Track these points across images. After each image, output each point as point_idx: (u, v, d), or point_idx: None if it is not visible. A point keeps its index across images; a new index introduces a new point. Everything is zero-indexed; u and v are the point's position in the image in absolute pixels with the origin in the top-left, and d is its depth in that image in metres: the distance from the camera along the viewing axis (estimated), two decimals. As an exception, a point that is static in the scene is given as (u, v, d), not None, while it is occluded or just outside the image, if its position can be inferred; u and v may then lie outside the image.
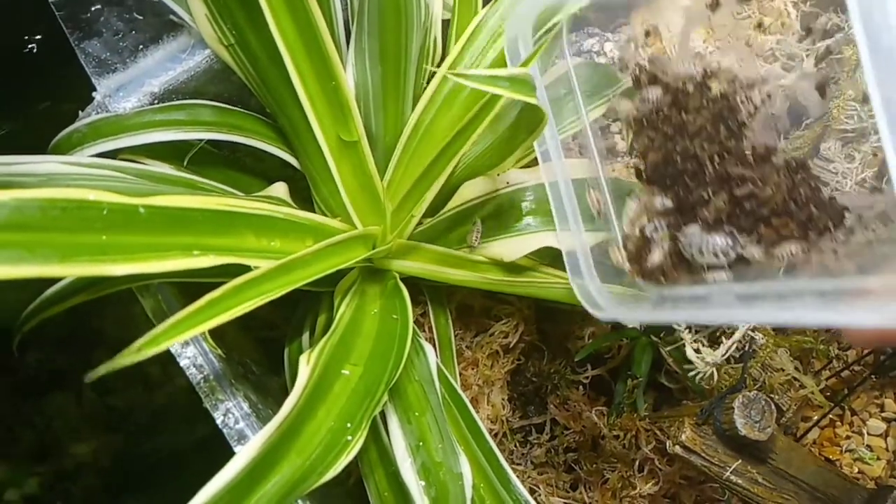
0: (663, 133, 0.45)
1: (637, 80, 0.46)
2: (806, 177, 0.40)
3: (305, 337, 0.53)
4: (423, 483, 0.37)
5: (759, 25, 0.51)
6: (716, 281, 0.42)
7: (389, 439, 0.40)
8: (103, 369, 0.31)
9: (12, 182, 0.35)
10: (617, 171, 0.50)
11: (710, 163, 0.42)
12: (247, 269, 0.35)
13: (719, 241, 0.41)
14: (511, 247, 0.47)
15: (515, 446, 0.60)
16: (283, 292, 0.36)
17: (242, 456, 0.31)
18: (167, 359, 0.79)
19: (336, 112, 0.41)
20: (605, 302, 0.44)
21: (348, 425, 0.34)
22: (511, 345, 0.59)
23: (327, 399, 0.35)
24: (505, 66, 0.47)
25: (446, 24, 0.54)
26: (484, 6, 0.51)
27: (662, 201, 0.45)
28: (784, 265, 0.39)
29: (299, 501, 0.37)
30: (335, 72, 0.39)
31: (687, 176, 0.43)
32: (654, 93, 0.46)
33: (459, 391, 0.45)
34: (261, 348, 0.61)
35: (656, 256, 0.44)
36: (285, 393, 0.49)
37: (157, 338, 0.32)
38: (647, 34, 0.49)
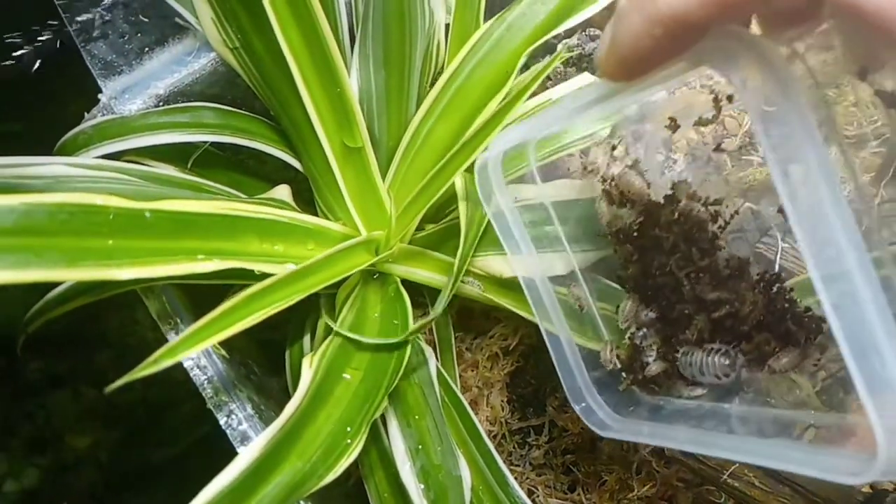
0: (640, 246, 0.46)
1: (609, 196, 0.47)
2: (781, 288, 0.41)
3: (306, 340, 0.53)
4: (422, 486, 0.37)
5: (718, 147, 0.53)
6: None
7: (389, 442, 0.41)
8: (122, 381, 0.31)
9: (20, 184, 0.35)
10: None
11: (686, 281, 0.43)
12: (250, 272, 0.36)
13: (718, 361, 0.41)
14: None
15: (514, 448, 0.60)
16: (297, 300, 0.37)
17: (245, 457, 0.31)
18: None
19: (340, 118, 0.41)
20: (609, 418, 0.45)
21: (348, 429, 0.35)
22: (511, 347, 0.59)
23: (328, 403, 0.36)
24: (506, 78, 0.48)
25: (448, 28, 0.55)
26: (486, 17, 0.52)
27: (647, 313, 0.46)
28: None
29: (300, 503, 0.37)
30: (340, 78, 0.39)
31: (667, 291, 0.44)
32: (625, 209, 0.47)
33: (459, 394, 0.46)
34: (262, 350, 0.61)
35: (653, 368, 0.45)
36: (286, 395, 0.50)
37: (174, 348, 0.33)
38: (614, 148, 0.48)
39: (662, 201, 0.45)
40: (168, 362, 0.32)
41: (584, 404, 0.45)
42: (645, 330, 0.46)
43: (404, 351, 0.40)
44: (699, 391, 0.44)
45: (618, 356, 0.46)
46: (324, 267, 0.40)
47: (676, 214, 0.44)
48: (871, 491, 0.57)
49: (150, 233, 0.32)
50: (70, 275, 0.29)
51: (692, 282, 0.42)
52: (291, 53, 0.38)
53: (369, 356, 0.40)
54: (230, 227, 0.37)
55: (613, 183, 0.46)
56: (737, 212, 0.44)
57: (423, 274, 0.47)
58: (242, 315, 0.36)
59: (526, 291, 0.44)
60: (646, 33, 0.22)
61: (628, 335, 0.46)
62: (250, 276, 0.40)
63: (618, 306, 0.47)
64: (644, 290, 0.46)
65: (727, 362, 0.41)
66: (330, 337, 0.40)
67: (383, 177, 0.48)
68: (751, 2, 0.20)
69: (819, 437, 0.35)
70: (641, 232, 0.45)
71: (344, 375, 0.37)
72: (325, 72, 0.39)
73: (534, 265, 0.44)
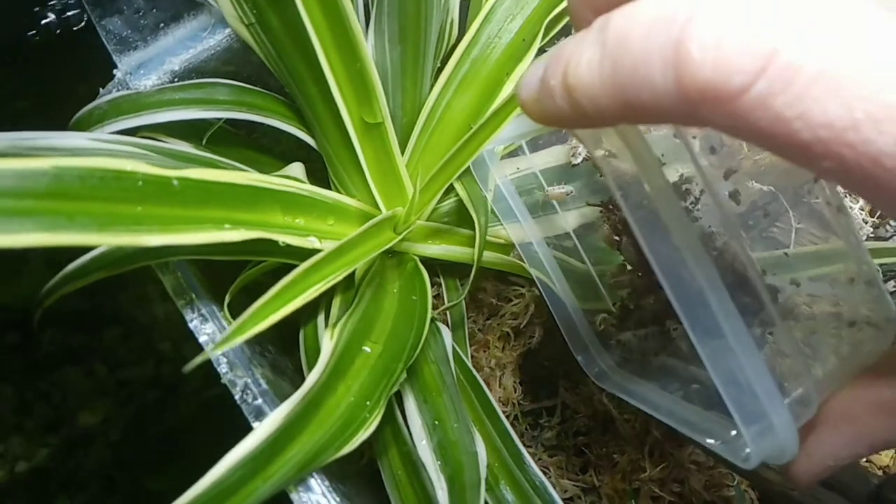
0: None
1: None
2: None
3: (321, 319, 0.53)
4: (439, 462, 0.37)
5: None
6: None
7: (405, 419, 0.41)
8: (199, 359, 0.31)
9: (40, 156, 0.35)
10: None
11: None
12: (273, 244, 0.36)
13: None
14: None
15: (526, 429, 0.60)
16: (342, 276, 0.38)
17: (266, 426, 0.31)
18: (179, 335, 0.81)
19: (360, 93, 0.41)
20: (610, 370, 0.48)
21: (367, 403, 0.35)
22: (521, 326, 0.59)
23: (348, 375, 0.36)
24: (521, 49, 0.47)
25: (463, 2, 0.54)
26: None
27: (636, 276, 0.49)
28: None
29: (315, 475, 0.37)
30: (361, 53, 0.39)
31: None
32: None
33: (474, 372, 0.46)
34: (274, 327, 0.62)
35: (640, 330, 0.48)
36: (300, 373, 0.50)
37: (243, 325, 0.33)
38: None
39: None
40: (239, 339, 0.33)
41: (587, 354, 0.49)
42: (635, 291, 0.48)
43: (423, 326, 0.40)
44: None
45: (613, 314, 0.49)
46: (360, 243, 0.40)
47: None
48: (883, 475, 0.57)
49: (178, 200, 0.32)
50: (101, 239, 0.29)
51: None
52: (314, 28, 0.38)
53: (389, 329, 0.40)
54: (255, 198, 0.37)
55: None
56: (702, 191, 0.44)
57: (441, 249, 0.47)
58: (301, 290, 0.36)
59: (522, 254, 0.48)
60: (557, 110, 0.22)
61: (623, 294, 0.49)
62: (272, 250, 0.40)
63: (614, 268, 0.50)
64: (634, 260, 0.48)
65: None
66: (350, 309, 0.40)
67: (401, 153, 0.48)
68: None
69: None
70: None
71: (363, 348, 0.37)
72: (346, 47, 0.39)
73: (531, 230, 0.48)
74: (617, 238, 0.50)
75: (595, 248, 0.52)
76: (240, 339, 0.32)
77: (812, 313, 0.37)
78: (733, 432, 0.30)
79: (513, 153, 0.53)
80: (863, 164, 0.15)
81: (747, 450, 0.26)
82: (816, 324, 0.36)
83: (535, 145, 0.54)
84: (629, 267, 0.50)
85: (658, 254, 0.26)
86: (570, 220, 0.53)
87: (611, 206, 0.50)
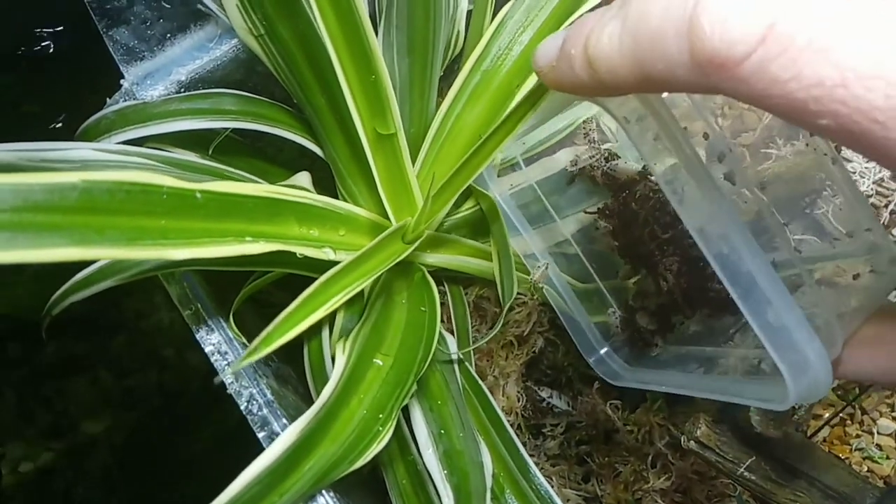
0: (622, 220, 0.52)
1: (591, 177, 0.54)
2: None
3: (325, 334, 0.53)
4: (445, 471, 0.37)
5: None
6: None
7: (411, 428, 0.41)
8: (235, 367, 0.32)
9: (52, 168, 0.35)
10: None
11: (658, 252, 0.49)
12: (288, 255, 0.36)
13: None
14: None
15: (528, 438, 0.60)
16: (360, 287, 0.39)
17: (282, 440, 0.32)
18: (182, 343, 0.81)
19: (374, 105, 0.41)
20: (620, 368, 0.51)
21: (380, 416, 0.35)
22: (524, 334, 0.59)
23: (360, 388, 0.36)
24: (531, 60, 0.48)
25: (469, 14, 0.55)
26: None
27: (639, 277, 0.53)
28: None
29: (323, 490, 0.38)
30: (376, 65, 0.39)
31: (650, 259, 0.50)
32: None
33: (478, 381, 0.46)
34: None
35: (647, 324, 0.52)
36: (303, 382, 0.50)
37: (269, 336, 0.35)
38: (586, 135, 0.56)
39: (637, 178, 0.51)
40: (268, 350, 0.34)
41: (596, 356, 0.51)
42: (640, 292, 0.52)
43: (433, 337, 0.40)
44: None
45: (620, 314, 0.53)
46: (375, 253, 0.41)
47: (645, 191, 0.51)
48: (885, 486, 0.57)
49: (200, 214, 0.32)
50: (130, 254, 0.29)
51: (662, 253, 0.49)
52: (330, 39, 0.38)
53: (399, 341, 0.40)
54: (273, 209, 0.37)
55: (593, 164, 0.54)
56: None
57: (448, 259, 0.47)
58: (321, 301, 0.37)
59: (527, 265, 0.52)
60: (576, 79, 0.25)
61: (630, 297, 0.52)
62: (286, 261, 0.41)
63: (617, 271, 0.54)
64: (632, 257, 0.52)
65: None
66: (361, 321, 0.40)
67: (412, 164, 0.48)
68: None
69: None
70: (622, 207, 0.52)
71: (375, 360, 0.38)
72: (362, 58, 0.39)
73: (533, 241, 0.52)
74: (616, 242, 0.53)
75: (596, 252, 0.55)
76: (266, 351, 0.33)
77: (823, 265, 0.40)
78: (766, 387, 0.33)
79: (511, 167, 0.56)
80: (856, 119, 0.17)
81: (787, 389, 0.29)
82: (824, 273, 0.39)
83: (531, 159, 0.57)
84: (630, 268, 0.53)
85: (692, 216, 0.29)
86: (569, 226, 0.55)
87: (607, 212, 0.54)
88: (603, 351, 0.51)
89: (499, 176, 0.55)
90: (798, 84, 0.18)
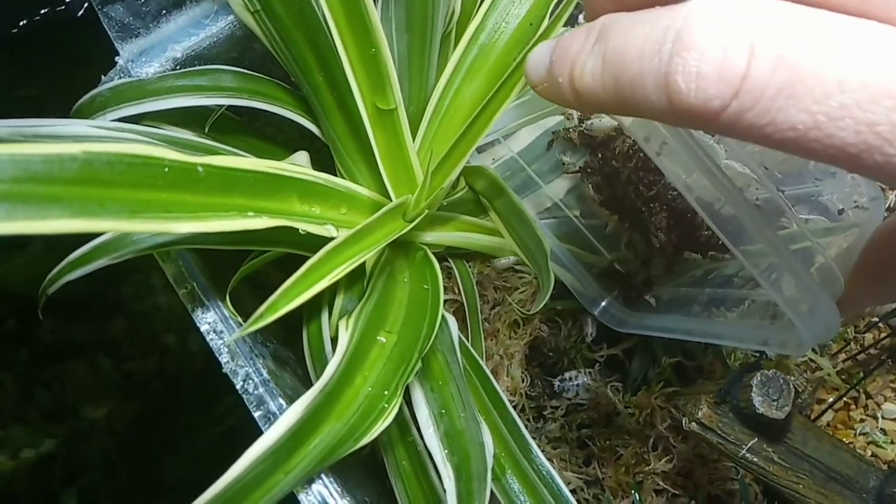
0: (605, 177, 0.54)
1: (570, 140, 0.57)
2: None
3: (324, 318, 0.53)
4: (446, 451, 0.37)
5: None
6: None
7: (412, 408, 0.40)
8: (248, 329, 0.33)
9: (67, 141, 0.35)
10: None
11: (644, 208, 0.51)
12: (288, 233, 0.36)
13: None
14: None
15: (529, 420, 0.60)
16: (359, 262, 0.38)
17: (287, 418, 0.32)
18: (183, 328, 0.80)
19: (374, 80, 0.41)
20: (623, 314, 0.53)
21: (385, 392, 0.35)
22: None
23: (364, 365, 0.36)
24: (528, 33, 0.47)
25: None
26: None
27: (628, 231, 0.54)
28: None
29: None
30: (376, 40, 0.38)
31: (636, 212, 0.52)
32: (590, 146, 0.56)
33: (481, 361, 0.45)
34: (277, 319, 0.61)
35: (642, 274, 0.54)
36: (302, 364, 0.49)
37: (273, 305, 0.35)
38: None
39: (613, 133, 0.53)
40: (271, 318, 0.34)
41: (599, 307, 0.54)
42: (631, 241, 0.54)
43: (436, 314, 0.40)
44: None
45: (616, 264, 0.55)
46: (375, 229, 0.41)
47: (623, 148, 0.53)
48: (889, 469, 0.56)
49: (203, 188, 0.32)
50: (132, 226, 0.29)
51: (650, 210, 0.51)
52: (331, 13, 0.38)
53: (402, 319, 0.40)
54: (275, 186, 0.37)
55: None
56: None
57: (451, 235, 0.47)
58: (322, 273, 0.37)
59: None
60: None
61: (622, 246, 0.55)
62: (285, 239, 0.41)
63: (607, 225, 0.56)
64: (620, 212, 0.53)
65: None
66: (364, 299, 0.40)
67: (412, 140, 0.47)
68: None
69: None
70: (602, 163, 0.54)
71: (379, 338, 0.37)
72: (362, 33, 0.38)
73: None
74: (599, 195, 0.55)
75: (586, 212, 0.57)
76: (270, 319, 0.33)
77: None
78: (773, 332, 0.36)
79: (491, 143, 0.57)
80: (832, 154, 0.19)
81: (801, 333, 0.30)
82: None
83: (509, 132, 0.58)
84: (619, 222, 0.55)
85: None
86: (555, 189, 0.57)
87: (588, 170, 0.56)
88: (604, 302, 0.54)
89: (479, 153, 0.57)
90: (774, 128, 0.19)
